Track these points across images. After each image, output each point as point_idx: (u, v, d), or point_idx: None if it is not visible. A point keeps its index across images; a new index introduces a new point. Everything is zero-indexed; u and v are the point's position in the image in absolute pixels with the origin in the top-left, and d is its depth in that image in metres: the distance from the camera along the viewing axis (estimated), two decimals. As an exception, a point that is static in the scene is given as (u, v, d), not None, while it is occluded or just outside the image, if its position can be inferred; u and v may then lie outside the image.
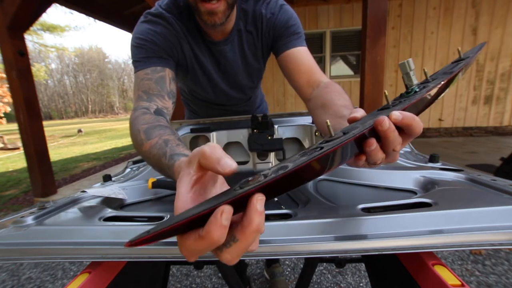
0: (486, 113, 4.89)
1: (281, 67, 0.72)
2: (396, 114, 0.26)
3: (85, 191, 0.60)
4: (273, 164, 0.90)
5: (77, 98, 70.55)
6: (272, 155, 0.89)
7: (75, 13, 4.65)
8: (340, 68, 5.15)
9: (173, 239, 0.21)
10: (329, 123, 0.27)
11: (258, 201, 0.19)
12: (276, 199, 0.58)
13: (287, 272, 1.54)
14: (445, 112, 4.96)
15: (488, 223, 0.33)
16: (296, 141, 0.92)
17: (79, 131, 12.56)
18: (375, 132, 0.26)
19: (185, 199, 0.24)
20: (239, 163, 0.91)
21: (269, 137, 0.85)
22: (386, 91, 0.30)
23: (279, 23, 0.70)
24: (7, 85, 2.83)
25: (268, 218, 0.42)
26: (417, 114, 0.28)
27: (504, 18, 4.49)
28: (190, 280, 1.54)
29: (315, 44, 4.96)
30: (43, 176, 2.78)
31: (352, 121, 0.32)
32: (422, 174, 0.56)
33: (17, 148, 7.77)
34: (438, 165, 0.61)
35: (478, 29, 4.58)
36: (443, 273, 0.34)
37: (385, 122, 0.25)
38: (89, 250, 0.37)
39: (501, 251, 1.61)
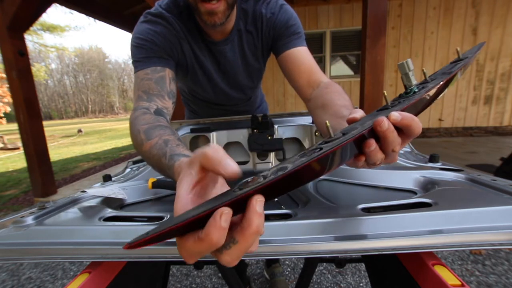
0: (486, 113, 4.89)
1: (281, 67, 0.72)
2: (395, 114, 0.26)
3: (85, 191, 0.60)
4: (273, 164, 0.90)
5: (77, 98, 70.53)
6: (272, 155, 0.89)
7: (75, 13, 4.66)
8: (340, 68, 5.15)
9: (173, 239, 0.21)
10: (328, 124, 0.27)
11: (258, 202, 0.19)
12: (276, 199, 0.58)
13: (287, 272, 1.54)
14: (445, 112, 4.96)
15: (488, 223, 0.33)
16: (296, 141, 0.92)
17: (79, 131, 12.55)
18: (374, 133, 0.26)
19: (185, 200, 0.24)
20: (239, 163, 0.91)
21: (269, 137, 0.85)
22: (385, 92, 0.30)
23: (279, 23, 0.70)
24: (7, 85, 2.83)
25: (268, 218, 0.42)
26: (416, 115, 0.28)
27: (504, 18, 4.49)
28: (190, 280, 1.54)
29: (315, 44, 4.96)
30: (43, 176, 2.78)
31: (351, 121, 0.32)
32: (422, 174, 0.56)
33: (17, 148, 7.77)
34: (438, 165, 0.61)
35: (478, 29, 4.58)
36: (443, 273, 0.34)
37: (384, 123, 0.25)
38: (89, 250, 0.37)
39: (501, 251, 1.61)
